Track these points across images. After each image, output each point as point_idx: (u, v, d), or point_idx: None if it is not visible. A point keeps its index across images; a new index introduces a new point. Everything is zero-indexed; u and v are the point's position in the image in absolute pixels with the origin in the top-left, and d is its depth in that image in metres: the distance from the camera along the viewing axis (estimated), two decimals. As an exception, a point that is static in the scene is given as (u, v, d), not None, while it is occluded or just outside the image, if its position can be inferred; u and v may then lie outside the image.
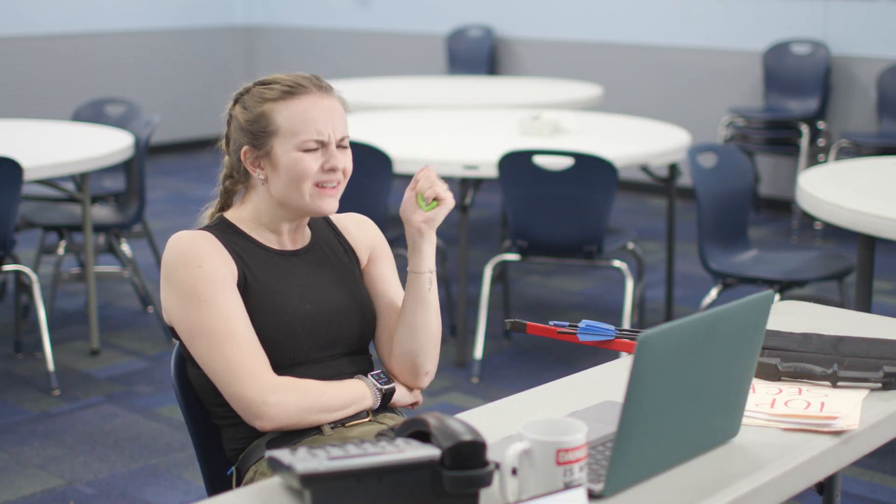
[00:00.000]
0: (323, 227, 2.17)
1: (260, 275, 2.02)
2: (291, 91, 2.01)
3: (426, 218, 2.03)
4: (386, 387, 2.05)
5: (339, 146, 2.03)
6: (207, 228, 2.05)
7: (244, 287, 1.99)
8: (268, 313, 1.99)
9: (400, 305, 2.12)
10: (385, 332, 2.13)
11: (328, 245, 2.14)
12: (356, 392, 2.01)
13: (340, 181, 2.04)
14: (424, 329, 2.07)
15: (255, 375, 1.91)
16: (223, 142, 2.11)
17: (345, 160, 2.04)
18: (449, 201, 2.02)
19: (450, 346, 4.61)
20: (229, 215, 2.08)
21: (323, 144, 2.01)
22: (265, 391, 1.90)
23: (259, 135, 2.01)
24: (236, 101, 2.07)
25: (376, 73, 8.40)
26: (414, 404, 2.13)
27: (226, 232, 2.05)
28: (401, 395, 2.09)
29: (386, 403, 2.06)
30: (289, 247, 2.09)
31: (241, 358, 1.92)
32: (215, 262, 1.97)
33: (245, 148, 2.03)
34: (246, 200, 2.08)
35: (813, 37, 6.80)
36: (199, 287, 1.94)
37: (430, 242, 2.05)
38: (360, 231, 2.19)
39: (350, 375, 2.06)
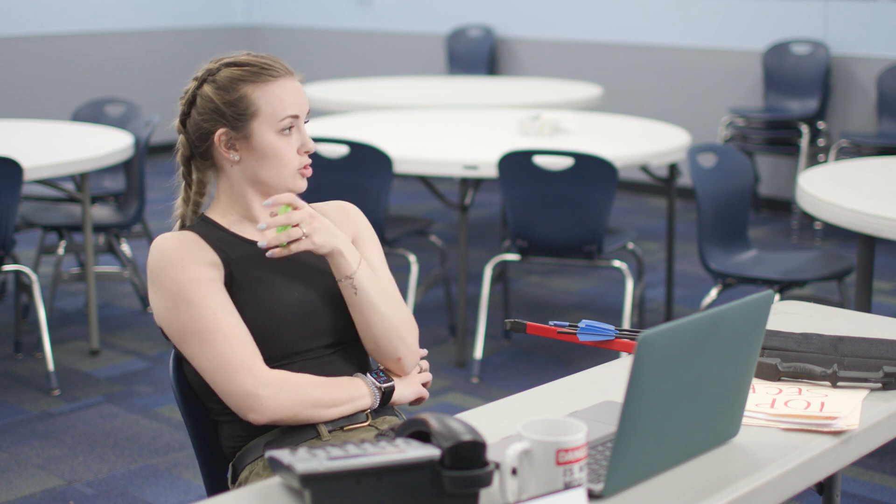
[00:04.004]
0: None
1: (246, 269, 2.02)
2: (266, 72, 2.05)
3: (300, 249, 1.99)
4: (385, 385, 2.04)
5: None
6: (189, 228, 2.06)
7: (231, 283, 2.00)
8: (257, 306, 1.99)
9: (387, 289, 2.11)
10: None
11: None
12: (353, 390, 2.00)
13: (310, 162, 2.09)
14: (370, 328, 2.05)
15: (247, 368, 1.92)
16: (178, 122, 2.09)
17: (313, 143, 2.10)
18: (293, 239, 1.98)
19: (450, 346, 4.62)
20: (209, 213, 2.09)
21: (297, 125, 2.05)
22: (257, 384, 1.91)
23: (238, 117, 2.02)
24: (203, 81, 2.07)
25: (376, 73, 8.40)
26: (419, 400, 2.12)
27: (207, 229, 2.05)
28: (401, 394, 2.07)
29: (386, 402, 2.05)
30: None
31: (232, 353, 1.92)
32: (199, 261, 1.98)
33: (221, 130, 2.03)
34: (219, 195, 2.09)
35: (813, 37, 6.80)
36: (185, 288, 1.95)
37: (339, 253, 2.01)
38: (343, 217, 2.18)
39: (348, 372, 2.05)
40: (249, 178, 2.05)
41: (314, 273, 2.08)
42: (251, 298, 2.00)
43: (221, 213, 2.09)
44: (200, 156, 2.08)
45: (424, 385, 2.13)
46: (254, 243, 2.05)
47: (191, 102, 2.07)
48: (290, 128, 2.03)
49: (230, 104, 2.03)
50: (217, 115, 2.03)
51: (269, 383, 1.91)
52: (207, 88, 2.05)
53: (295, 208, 2.00)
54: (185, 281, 1.95)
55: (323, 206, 2.21)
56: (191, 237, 2.02)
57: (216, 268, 1.99)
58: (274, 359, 1.97)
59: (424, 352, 2.16)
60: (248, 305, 1.99)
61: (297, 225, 1.97)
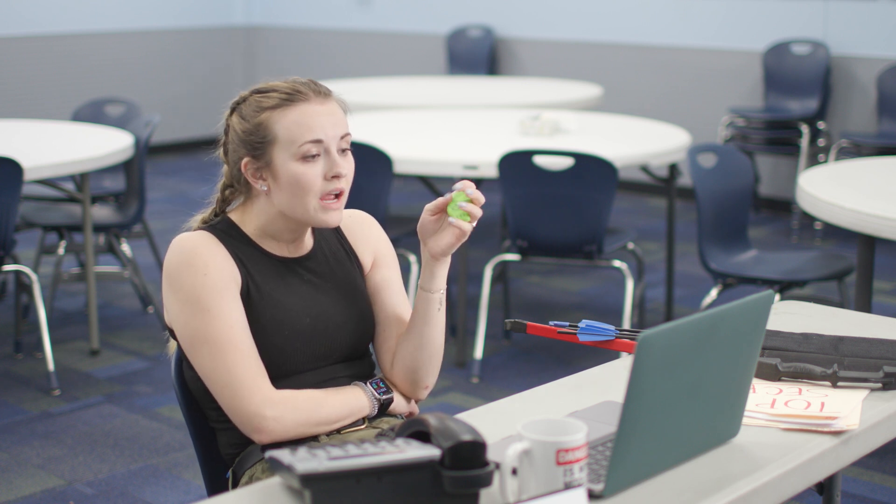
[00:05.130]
0: (326, 230, 2.13)
1: (262, 285, 1.99)
2: (290, 98, 1.96)
3: (443, 249, 1.98)
4: (384, 397, 2.03)
5: (340, 150, 1.99)
6: (211, 228, 2.02)
7: (246, 296, 1.97)
8: (267, 327, 1.97)
9: (404, 314, 2.10)
10: (387, 342, 2.10)
11: (330, 250, 2.11)
12: (354, 403, 1.99)
13: (344, 189, 1.99)
14: (429, 346, 2.05)
15: (255, 389, 1.89)
16: (221, 151, 2.06)
17: (347, 166, 1.99)
18: (472, 223, 1.97)
19: (450, 346, 4.61)
20: (234, 216, 2.05)
21: (324, 150, 1.96)
22: (264, 406, 1.89)
23: (257, 145, 1.97)
24: (233, 111, 2.03)
25: (376, 73, 8.40)
26: (410, 414, 2.11)
27: (229, 234, 2.01)
28: (398, 404, 2.07)
29: (383, 412, 2.05)
30: (291, 253, 2.05)
31: (242, 371, 1.90)
32: (220, 269, 1.94)
33: (245, 160, 1.98)
34: (250, 205, 2.04)
35: (813, 37, 6.80)
36: (203, 295, 1.92)
37: (445, 264, 2.02)
38: (364, 232, 2.15)
39: (346, 380, 2.04)
40: (280, 211, 2.00)
41: (329, 296, 2.06)
42: (263, 318, 1.97)
43: (246, 221, 2.03)
44: (238, 185, 2.04)
45: (411, 414, 2.13)
46: (273, 258, 2.03)
47: (226, 131, 2.04)
48: (314, 154, 1.95)
49: (250, 132, 1.98)
50: (241, 144, 1.99)
51: (275, 405, 1.89)
52: (234, 118, 2.01)
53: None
54: (204, 288, 1.92)
55: (343, 216, 2.12)
56: (213, 242, 1.97)
57: (235, 277, 1.96)
58: (278, 376, 1.96)
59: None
60: (260, 322, 1.96)
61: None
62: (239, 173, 2.01)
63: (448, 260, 2.01)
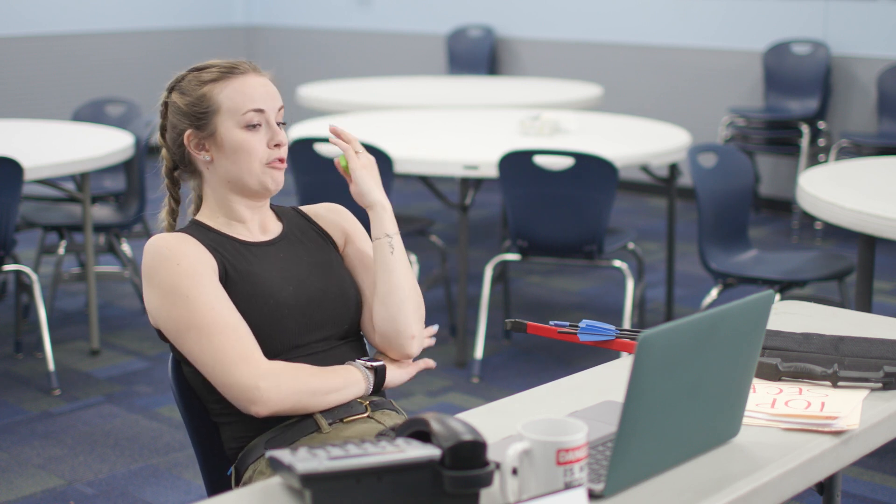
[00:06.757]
0: (294, 217, 2.20)
1: (239, 265, 2.04)
2: (230, 71, 2.06)
3: (354, 193, 2.10)
4: (375, 364, 2.05)
5: (278, 122, 2.08)
6: (182, 230, 2.09)
7: (225, 279, 2.01)
8: (251, 301, 2.00)
9: None
10: (368, 312, 2.14)
11: (301, 232, 2.17)
12: (348, 375, 2.02)
13: (284, 157, 2.08)
14: (396, 292, 2.08)
15: (246, 361, 1.92)
16: (158, 134, 2.15)
17: (284, 137, 2.10)
18: (350, 153, 2.11)
19: (450, 346, 4.61)
20: (199, 217, 2.12)
21: (265, 120, 2.05)
22: (257, 376, 1.91)
23: (201, 115, 2.06)
24: (171, 90, 2.11)
25: (376, 73, 8.40)
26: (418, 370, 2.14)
27: (199, 231, 2.08)
28: (395, 375, 2.09)
29: (381, 384, 2.06)
30: (261, 238, 2.11)
31: (231, 346, 1.93)
32: (193, 257, 1.99)
33: (189, 132, 2.07)
34: (204, 199, 2.12)
35: (813, 37, 6.80)
36: (181, 283, 1.96)
37: (376, 211, 2.09)
38: (333, 216, 2.22)
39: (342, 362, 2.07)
40: (224, 178, 2.08)
41: (310, 268, 2.11)
42: (246, 294, 2.01)
43: (209, 217, 2.11)
44: (182, 164, 2.13)
45: (427, 368, 2.16)
46: (244, 242, 2.08)
47: (164, 113, 2.13)
48: (256, 124, 2.04)
49: (192, 104, 2.07)
50: (183, 117, 2.08)
51: (267, 375, 1.92)
52: (175, 95, 2.11)
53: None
54: (179, 276, 1.96)
55: (312, 208, 2.24)
56: (184, 237, 2.04)
57: (211, 264, 2.01)
58: (273, 353, 1.98)
59: (434, 328, 2.19)
60: (244, 301, 2.00)
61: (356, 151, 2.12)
62: (180, 150, 2.11)
63: (379, 206, 2.10)
